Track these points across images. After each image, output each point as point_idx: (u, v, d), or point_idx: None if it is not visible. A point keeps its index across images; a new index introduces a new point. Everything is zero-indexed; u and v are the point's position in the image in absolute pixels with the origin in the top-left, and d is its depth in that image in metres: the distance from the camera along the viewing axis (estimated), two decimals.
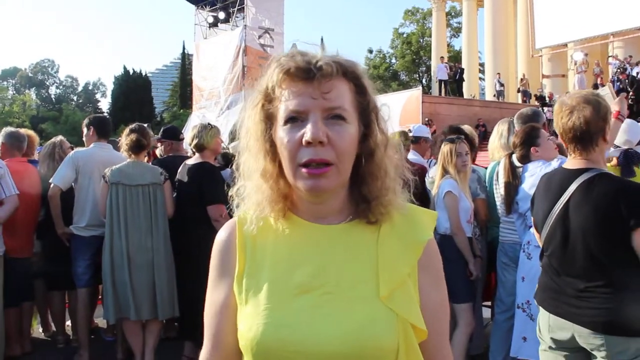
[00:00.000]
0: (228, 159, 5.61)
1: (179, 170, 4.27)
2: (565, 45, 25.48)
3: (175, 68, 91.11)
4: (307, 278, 1.01)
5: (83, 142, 4.80)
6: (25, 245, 4.50)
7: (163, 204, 4.10)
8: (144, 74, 57.11)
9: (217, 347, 1.09)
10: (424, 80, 47.69)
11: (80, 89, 76.20)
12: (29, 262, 4.55)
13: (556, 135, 4.18)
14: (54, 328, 5.04)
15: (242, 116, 1.10)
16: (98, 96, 75.50)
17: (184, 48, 61.33)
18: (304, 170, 0.98)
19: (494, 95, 26.57)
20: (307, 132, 0.97)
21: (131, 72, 54.53)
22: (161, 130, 5.51)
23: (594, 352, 2.17)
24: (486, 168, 4.47)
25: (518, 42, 29.41)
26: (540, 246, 2.46)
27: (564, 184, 2.30)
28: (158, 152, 5.65)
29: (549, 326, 2.32)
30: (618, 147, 3.34)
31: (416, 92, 21.15)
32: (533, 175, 3.40)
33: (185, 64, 56.39)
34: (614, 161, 3.35)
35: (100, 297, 4.77)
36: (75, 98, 74.30)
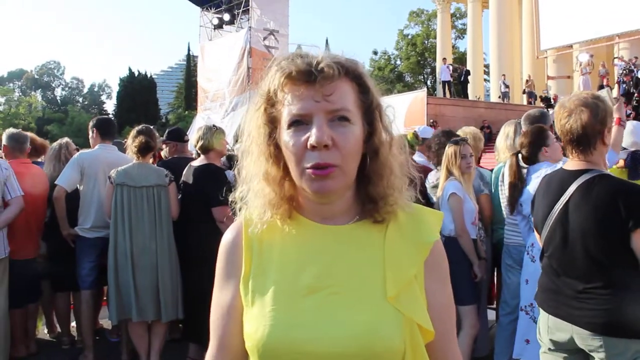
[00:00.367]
0: (233, 161, 5.62)
1: (184, 172, 4.27)
2: (571, 46, 25.43)
3: (180, 70, 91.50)
4: (314, 279, 1.01)
5: (89, 144, 4.81)
6: (31, 246, 4.50)
7: (167, 206, 4.11)
8: (149, 75, 57.42)
9: (223, 348, 1.09)
10: (428, 82, 47.68)
11: (85, 90, 76.62)
12: (34, 264, 4.56)
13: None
14: (59, 329, 5.06)
15: (243, 120, 1.10)
16: (103, 98, 75.93)
17: (189, 50, 61.65)
18: (309, 171, 0.98)
19: (499, 97, 26.52)
20: (312, 136, 0.97)
21: (136, 73, 54.81)
22: (166, 131, 5.51)
23: (593, 354, 2.17)
24: (492, 170, 4.45)
25: (523, 43, 29.37)
26: (541, 247, 2.46)
27: (564, 185, 2.30)
28: (163, 153, 5.66)
29: (548, 328, 2.32)
30: (625, 148, 3.33)
31: (421, 94, 21.16)
32: (539, 177, 3.39)
33: (190, 66, 56.63)
34: (621, 163, 3.34)
35: (105, 298, 4.78)
36: (80, 100, 74.68)
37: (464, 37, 43.43)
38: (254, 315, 1.02)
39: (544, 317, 2.36)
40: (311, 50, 1.03)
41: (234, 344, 1.07)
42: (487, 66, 36.87)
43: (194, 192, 4.11)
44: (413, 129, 5.34)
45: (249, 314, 1.04)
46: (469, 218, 3.79)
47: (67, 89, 75.96)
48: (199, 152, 4.31)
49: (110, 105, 69.79)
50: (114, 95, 64.38)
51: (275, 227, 1.08)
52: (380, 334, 0.96)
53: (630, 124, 3.38)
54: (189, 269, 4.09)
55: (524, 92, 25.87)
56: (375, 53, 52.23)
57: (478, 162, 4.67)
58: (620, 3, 21.33)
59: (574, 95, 2.35)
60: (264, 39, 22.88)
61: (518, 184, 3.58)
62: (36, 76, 73.14)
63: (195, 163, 4.25)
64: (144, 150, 4.13)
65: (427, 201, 4.04)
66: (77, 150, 5.10)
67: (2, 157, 4.50)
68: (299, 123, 0.99)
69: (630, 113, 15.81)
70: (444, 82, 25.19)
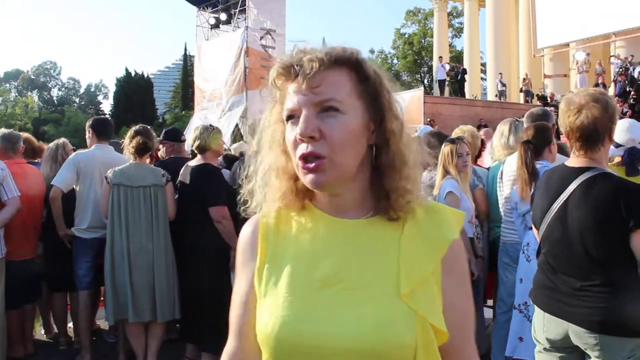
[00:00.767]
0: (230, 161, 5.61)
1: (181, 172, 4.27)
2: (567, 45, 25.45)
3: (177, 69, 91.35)
4: (327, 273, 1.01)
5: (86, 144, 4.80)
6: (28, 247, 4.49)
7: (164, 206, 4.10)
8: (145, 75, 57.31)
9: (239, 337, 1.10)
10: (425, 81, 47.69)
11: (82, 90, 76.43)
12: (31, 264, 4.55)
13: (558, 137, 4.13)
14: (56, 330, 5.05)
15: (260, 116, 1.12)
16: (100, 98, 75.80)
17: (185, 49, 61.59)
18: (300, 163, 1.00)
19: (496, 95, 26.53)
20: (297, 128, 0.99)
21: (133, 73, 54.70)
22: (163, 132, 5.50)
23: (588, 352, 2.17)
24: (488, 169, 4.46)
25: (520, 42, 29.40)
26: (537, 243, 2.46)
27: (564, 182, 2.29)
28: (160, 154, 5.65)
29: (543, 326, 2.32)
30: (621, 145, 3.33)
31: (418, 93, 21.11)
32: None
33: (187, 66, 56.50)
34: (618, 159, 3.33)
35: (102, 298, 4.78)
36: (77, 100, 74.52)
37: (460, 35, 43.52)
38: (266, 306, 1.02)
39: (539, 315, 2.36)
40: (308, 46, 1.03)
41: (249, 334, 1.07)
42: (483, 65, 36.88)
43: (190, 192, 4.11)
44: (413, 127, 5.35)
45: (262, 305, 1.04)
46: (465, 216, 3.78)
47: (63, 89, 75.75)
48: (195, 151, 4.30)
49: (107, 106, 69.66)
50: (111, 95, 64.35)
51: (291, 219, 1.09)
52: (392, 331, 0.95)
53: (626, 122, 3.38)
54: (186, 269, 4.09)
55: (520, 91, 25.89)
56: (372, 52, 52.23)
57: (476, 160, 4.67)
58: (617, 1, 21.35)
59: (582, 91, 2.33)
60: (261, 38, 22.81)
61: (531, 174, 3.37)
62: (32, 76, 72.91)
63: (192, 163, 4.24)
64: (141, 150, 4.13)
65: None
66: (74, 150, 5.09)
67: None
68: (293, 117, 1.01)
69: (627, 111, 15.83)
70: (439, 81, 25.21)
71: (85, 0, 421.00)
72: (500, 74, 26.91)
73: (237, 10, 23.60)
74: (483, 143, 4.90)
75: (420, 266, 1.01)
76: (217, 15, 24.54)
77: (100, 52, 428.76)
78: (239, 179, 1.16)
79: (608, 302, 2.10)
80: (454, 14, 44.53)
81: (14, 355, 4.39)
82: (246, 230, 1.14)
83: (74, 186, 4.43)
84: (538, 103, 21.46)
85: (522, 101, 24.83)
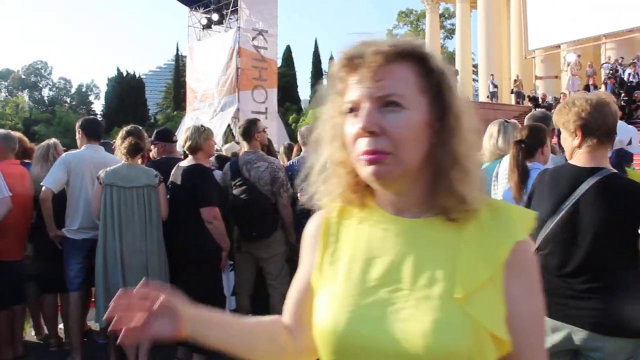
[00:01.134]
0: (222, 161, 5.60)
1: (172, 173, 4.26)
2: (558, 46, 25.60)
3: (169, 70, 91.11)
4: (382, 272, 0.99)
5: (77, 144, 4.78)
6: (17, 247, 4.47)
7: (157, 206, 4.09)
8: (137, 75, 57.11)
9: (293, 313, 1.15)
10: None
11: (73, 91, 75.90)
12: (21, 265, 4.52)
13: (558, 137, 4.10)
14: (46, 331, 5.02)
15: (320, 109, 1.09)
16: (91, 98, 75.30)
17: (177, 50, 61.34)
18: (362, 157, 0.96)
19: (488, 97, 26.62)
20: (358, 123, 0.95)
21: (125, 74, 54.52)
22: (154, 132, 5.49)
23: (589, 353, 2.15)
24: None
25: (511, 43, 29.52)
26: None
27: (575, 182, 2.24)
28: (152, 154, 5.64)
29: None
30: None
31: None
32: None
33: (179, 66, 56.30)
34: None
35: (92, 299, 4.76)
36: (68, 100, 74.00)
37: (452, 37, 43.65)
38: (323, 302, 1.02)
39: None
40: (372, 37, 0.99)
41: (305, 319, 1.09)
42: (475, 66, 37.00)
43: (182, 192, 4.10)
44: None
45: (319, 301, 1.04)
46: None
47: (54, 89, 75.25)
48: (187, 152, 4.30)
49: (98, 106, 69.34)
50: (102, 95, 64.11)
51: (352, 216, 1.08)
52: (444, 336, 0.90)
53: None
54: (178, 270, 4.08)
55: (512, 92, 25.98)
56: None
57: None
58: (607, 3, 21.50)
59: (592, 93, 2.40)
60: (253, 39, 22.76)
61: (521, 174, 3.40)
62: (23, 76, 72.40)
63: (184, 163, 4.24)
64: (133, 151, 4.12)
65: None
66: (65, 150, 5.07)
67: None
68: (353, 110, 0.98)
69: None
70: None
71: (77, 1, 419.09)
72: (492, 75, 27.03)
73: (229, 10, 23.54)
74: None
75: (477, 271, 0.95)
76: (209, 16, 24.48)
77: (91, 52, 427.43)
78: (297, 173, 1.15)
79: (613, 303, 2.08)
80: (446, 15, 44.68)
81: (3, 357, 4.36)
82: (310, 225, 1.15)
83: (65, 187, 4.40)
84: (529, 104, 21.58)
85: (513, 102, 24.94)
